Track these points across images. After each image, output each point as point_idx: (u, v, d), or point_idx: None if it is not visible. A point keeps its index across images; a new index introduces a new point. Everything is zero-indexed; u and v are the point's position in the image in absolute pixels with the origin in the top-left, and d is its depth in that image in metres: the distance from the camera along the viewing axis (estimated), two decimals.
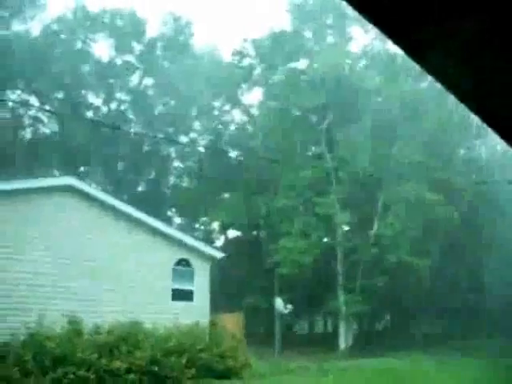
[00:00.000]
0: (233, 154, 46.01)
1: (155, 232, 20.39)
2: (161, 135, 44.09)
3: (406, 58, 2.23)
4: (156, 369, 16.19)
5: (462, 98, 2.28)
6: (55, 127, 45.32)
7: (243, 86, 43.32)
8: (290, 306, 32.23)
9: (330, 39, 40.53)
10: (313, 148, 39.93)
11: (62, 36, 43.79)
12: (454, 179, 35.98)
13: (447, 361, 25.34)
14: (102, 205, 19.12)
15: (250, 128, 44.37)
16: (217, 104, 45.89)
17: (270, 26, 39.54)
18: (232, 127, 47.46)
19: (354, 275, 34.61)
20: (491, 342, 34.04)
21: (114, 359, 15.45)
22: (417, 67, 2.35)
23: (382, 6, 1.84)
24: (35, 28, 43.27)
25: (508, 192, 40.00)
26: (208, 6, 70.20)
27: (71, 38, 44.68)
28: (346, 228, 36.75)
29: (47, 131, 45.93)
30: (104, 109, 47.11)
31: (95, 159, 45.31)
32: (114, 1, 66.24)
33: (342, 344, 34.36)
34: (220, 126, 46.90)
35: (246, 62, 41.83)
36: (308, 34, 40.57)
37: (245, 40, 41.12)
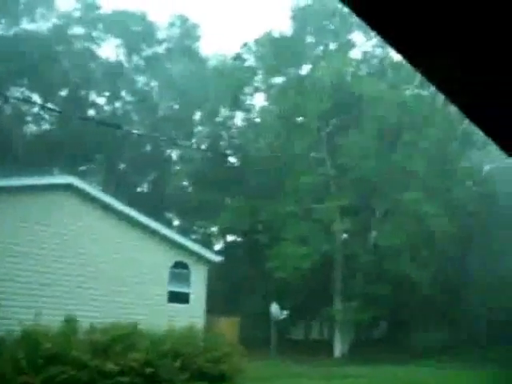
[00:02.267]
0: (234, 158, 46.01)
1: (154, 234, 20.37)
2: (163, 137, 44.11)
3: (408, 65, 2.20)
4: (150, 371, 16.11)
5: (463, 108, 2.25)
6: (57, 125, 45.34)
7: (245, 90, 43.35)
8: (286, 312, 32.16)
9: (333, 45, 40.55)
10: (314, 154, 39.91)
11: (70, 35, 43.92)
12: (455, 190, 35.97)
13: (444, 370, 25.28)
14: (102, 205, 19.10)
15: (251, 133, 44.34)
16: (219, 108, 45.89)
17: (271, 31, 39.46)
18: (234, 131, 47.48)
19: (352, 283, 34.55)
20: (490, 353, 33.93)
21: (107, 360, 15.38)
22: (419, 75, 2.32)
23: (385, 14, 1.81)
24: (44, 26, 43.43)
25: (508, 204, 40.00)
26: (212, 9, 70.30)
27: (80, 37, 44.88)
28: (345, 235, 36.69)
29: (49, 129, 45.97)
30: (108, 108, 47.20)
31: (96, 158, 45.34)
32: (124, 2, 66.85)
33: (337, 351, 34.27)
34: (222, 130, 46.90)
35: (248, 66, 41.87)
36: (310, 39, 40.59)
37: (244, 44, 41.18)
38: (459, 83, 2.12)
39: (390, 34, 1.94)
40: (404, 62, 2.16)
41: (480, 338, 39.15)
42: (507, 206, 40.20)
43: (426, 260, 34.45)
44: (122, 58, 47.28)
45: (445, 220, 33.35)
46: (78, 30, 44.64)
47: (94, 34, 45.42)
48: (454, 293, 39.60)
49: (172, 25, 47.83)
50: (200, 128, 48.90)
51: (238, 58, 41.93)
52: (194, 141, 48.47)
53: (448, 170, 36.68)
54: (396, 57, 33.08)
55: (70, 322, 16.00)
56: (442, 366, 27.02)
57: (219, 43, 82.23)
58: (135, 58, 47.27)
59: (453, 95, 2.22)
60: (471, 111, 2.36)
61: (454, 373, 24.30)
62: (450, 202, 35.39)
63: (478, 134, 36.68)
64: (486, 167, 46.42)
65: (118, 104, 47.58)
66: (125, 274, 19.02)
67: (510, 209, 40.45)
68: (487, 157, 45.01)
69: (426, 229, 33.56)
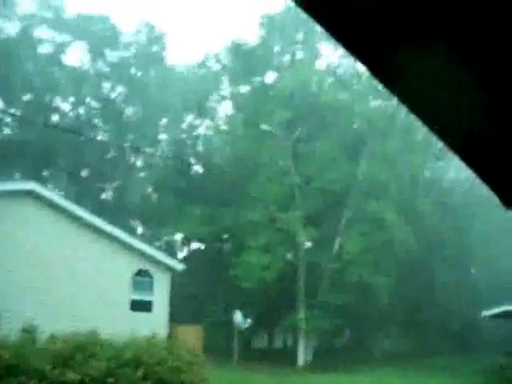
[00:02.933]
0: (198, 166, 45.87)
1: (116, 241, 20.15)
2: (127, 144, 43.76)
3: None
4: (111, 380, 15.88)
5: (431, 126, 2.22)
6: (19, 130, 44.60)
7: (211, 98, 43.32)
8: (249, 321, 32.13)
9: (299, 55, 40.80)
10: (279, 163, 40.03)
11: (33, 37, 43.27)
12: (417, 200, 36.44)
13: (407, 378, 25.52)
14: (64, 212, 18.82)
15: (217, 140, 44.28)
16: (184, 116, 45.75)
17: (237, 39, 39.40)
18: (199, 139, 47.36)
19: (315, 291, 34.67)
20: (451, 359, 34.40)
21: (68, 369, 15.12)
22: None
23: (350, 26, 1.79)
24: (6, 28, 42.62)
25: (468, 214, 40.72)
26: (178, 16, 70.23)
27: (43, 40, 44.22)
28: (309, 244, 36.83)
29: (11, 133, 45.19)
30: (72, 114, 46.62)
31: (59, 164, 44.74)
32: (90, 7, 66.38)
33: (301, 360, 34.30)
34: (187, 138, 46.76)
35: (213, 74, 41.85)
36: (277, 48, 40.75)
37: (210, 52, 41.25)
38: (448, 116, 2.08)
39: (355, 47, 1.92)
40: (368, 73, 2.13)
41: (439, 346, 39.70)
42: (466, 215, 40.93)
43: (387, 269, 34.81)
44: (87, 62, 46.76)
45: (407, 229, 33.77)
46: (41, 33, 43.97)
47: (58, 37, 44.76)
48: (414, 301, 40.10)
49: (138, 32, 47.52)
50: (165, 135, 48.70)
51: (203, 65, 41.90)
52: (158, 148, 48.20)
53: (411, 180, 37.17)
54: (362, 67, 33.38)
55: (29, 331, 15.70)
56: (401, 373, 27.28)
57: (185, 51, 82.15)
58: (100, 63, 46.79)
59: (440, 130, 2.17)
60: (466, 154, 2.29)
61: (414, 380, 24.55)
62: (412, 212, 35.85)
63: (441, 145, 37.30)
64: (448, 177, 47.19)
65: (81, 110, 47.06)
66: (87, 282, 18.76)
67: (469, 219, 41.20)
68: (450, 167, 45.77)
69: (388, 238, 33.93)
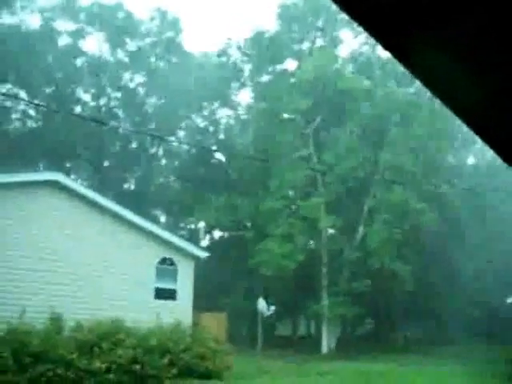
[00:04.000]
0: (220, 154, 45.94)
1: (140, 230, 20.29)
2: (149, 133, 43.92)
3: (395, 62, 2.19)
4: (137, 368, 16.07)
5: (453, 107, 2.24)
6: (43, 121, 44.98)
7: (232, 86, 43.26)
8: (273, 308, 32.17)
9: (320, 42, 40.53)
10: (300, 150, 39.93)
11: (53, 29, 43.46)
12: (441, 186, 36.14)
13: (428, 365, 25.44)
14: (88, 201, 19.00)
15: (238, 129, 44.24)
16: (206, 104, 45.70)
17: (257, 27, 39.19)
18: (220, 127, 47.36)
19: (338, 279, 34.62)
20: (473, 347, 34.18)
21: (94, 357, 15.32)
22: (406, 72, 2.31)
23: (373, 11, 1.81)
24: (26, 20, 43.00)
25: (491, 200, 40.31)
26: (195, 5, 70.08)
27: (62, 31, 44.38)
28: (332, 232, 36.73)
29: (35, 125, 45.59)
30: (93, 105, 46.81)
31: (82, 155, 45.09)
32: None
33: (325, 347, 34.34)
34: (208, 126, 46.78)
35: (234, 62, 41.73)
36: (296, 36, 40.48)
37: (230, 40, 41.03)
38: (453, 81, 2.11)
39: (379, 31, 1.92)
40: (391, 59, 2.13)
41: (462, 334, 39.49)
42: (490, 201, 40.51)
43: (410, 257, 34.60)
44: (106, 52, 46.64)
45: (431, 216, 33.47)
46: (60, 24, 44.06)
47: (77, 27, 44.61)
48: (436, 289, 39.84)
49: (153, 19, 47.08)
50: (186, 124, 48.71)
51: (223, 54, 41.77)
52: (180, 137, 48.31)
53: (435, 167, 36.84)
54: (383, 54, 33.15)
55: (56, 319, 15.92)
56: (422, 362, 27.20)
57: (204, 40, 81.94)
58: (119, 53, 46.69)
59: (445, 95, 2.21)
60: (468, 115, 2.35)
61: (431, 368, 24.49)
62: (435, 199, 35.54)
63: (463, 131, 36.90)
64: (470, 162, 46.75)
65: (103, 100, 47.22)
66: (111, 271, 18.95)
67: (493, 204, 40.76)
68: (472, 152, 45.28)
69: (411, 225, 33.69)
